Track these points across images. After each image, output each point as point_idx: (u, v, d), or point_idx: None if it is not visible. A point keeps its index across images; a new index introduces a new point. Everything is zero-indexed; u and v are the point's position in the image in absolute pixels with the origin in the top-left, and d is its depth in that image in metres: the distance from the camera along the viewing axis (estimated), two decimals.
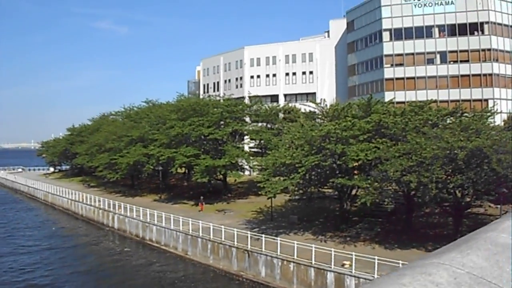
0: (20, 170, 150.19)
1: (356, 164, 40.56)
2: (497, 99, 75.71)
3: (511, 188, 39.31)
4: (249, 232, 43.09)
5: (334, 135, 40.68)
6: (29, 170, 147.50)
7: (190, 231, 48.86)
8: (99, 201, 70.46)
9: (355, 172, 43.90)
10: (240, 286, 40.82)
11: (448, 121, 44.58)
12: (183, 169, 79.10)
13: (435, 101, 48.96)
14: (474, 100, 74.24)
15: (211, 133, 64.44)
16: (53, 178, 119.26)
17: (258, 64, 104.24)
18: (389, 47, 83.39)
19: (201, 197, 60.09)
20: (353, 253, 34.45)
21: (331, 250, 35.27)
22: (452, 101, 72.38)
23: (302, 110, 51.68)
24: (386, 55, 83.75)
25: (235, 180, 70.37)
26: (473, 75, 78.87)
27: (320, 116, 47.27)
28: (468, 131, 38.41)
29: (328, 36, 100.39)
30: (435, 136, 38.01)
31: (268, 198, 46.84)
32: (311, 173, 42.13)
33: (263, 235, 41.58)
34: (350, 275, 33.51)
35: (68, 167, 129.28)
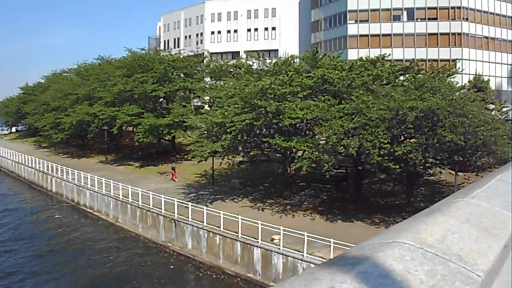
0: None
1: (292, 123, 35.59)
2: (466, 59, 71.66)
3: (468, 157, 35.14)
4: (175, 199, 38.40)
5: (271, 92, 35.97)
6: None
7: (121, 197, 44.44)
8: (39, 163, 65.55)
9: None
10: (166, 259, 36.49)
11: (402, 79, 39.97)
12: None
13: (388, 57, 43.39)
14: (442, 60, 69.77)
15: (155, 89, 59.57)
16: (8, 139, 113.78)
17: (219, 20, 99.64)
18: (354, 2, 78.90)
19: (173, 164, 54.35)
20: (281, 227, 29.97)
21: (257, 222, 30.81)
22: (418, 60, 67.90)
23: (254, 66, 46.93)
24: (350, 11, 79.21)
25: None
26: (442, 34, 74.67)
27: (259, 71, 42.37)
28: (422, 89, 33.91)
29: None
30: (385, 94, 33.26)
31: (198, 162, 42.32)
32: (244, 134, 37.38)
33: (190, 203, 37.09)
34: (278, 252, 29.21)
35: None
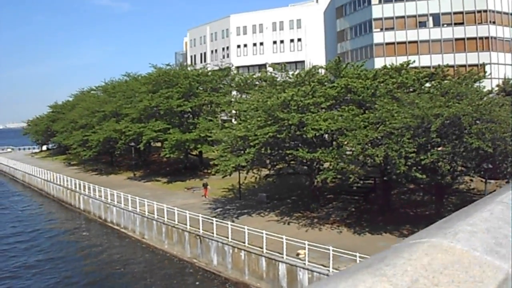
0: (9, 150, 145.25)
1: (316, 134, 34.76)
2: (494, 64, 70.23)
3: (498, 164, 33.93)
4: (200, 215, 37.90)
5: (294, 103, 35.31)
6: (19, 149, 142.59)
7: (146, 213, 44.13)
8: (67, 180, 65.72)
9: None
10: (191, 276, 36.02)
11: (428, 86, 38.92)
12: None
13: (413, 63, 42.35)
14: (470, 65, 68.38)
15: (180, 105, 59.38)
16: (39, 157, 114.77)
17: (245, 33, 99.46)
18: (378, 10, 77.83)
19: (205, 180, 52.65)
20: (306, 241, 29.22)
21: (282, 237, 30.11)
22: (445, 66, 66.67)
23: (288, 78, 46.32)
24: (375, 19, 78.26)
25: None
26: (468, 38, 73.23)
27: (282, 83, 41.70)
28: (448, 96, 32.93)
29: (317, 1, 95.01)
30: (410, 102, 32.36)
31: (223, 177, 41.81)
32: (268, 148, 36.70)
33: (215, 219, 36.53)
34: (303, 268, 28.47)
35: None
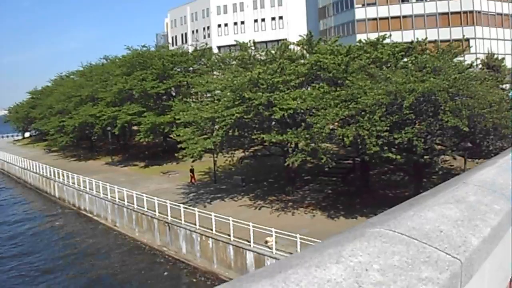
0: None
1: (284, 114, 32.83)
2: (479, 38, 68.47)
3: (479, 142, 32.30)
4: (168, 201, 36.17)
5: (263, 82, 33.49)
6: (2, 137, 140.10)
7: (117, 200, 42.45)
8: (43, 168, 63.83)
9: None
10: (160, 265, 34.37)
11: (405, 61, 36.99)
12: None
13: (389, 37, 40.42)
14: (455, 40, 66.46)
15: (154, 86, 57.43)
16: (20, 145, 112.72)
17: (225, 12, 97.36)
18: None
19: (191, 166, 47.31)
20: (273, 228, 27.52)
21: (249, 224, 28.45)
22: (429, 42, 64.85)
23: (258, 56, 44.29)
24: None
25: None
26: (453, 12, 71.37)
27: (253, 61, 39.73)
28: (425, 71, 31.10)
29: None
30: (384, 78, 30.55)
31: (193, 161, 40.08)
32: (236, 129, 34.92)
33: (182, 205, 34.82)
34: (271, 256, 26.83)
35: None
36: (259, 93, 32.44)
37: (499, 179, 3.51)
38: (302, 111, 33.16)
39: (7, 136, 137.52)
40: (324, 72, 34.64)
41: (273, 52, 39.77)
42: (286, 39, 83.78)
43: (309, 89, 35.24)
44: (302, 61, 36.82)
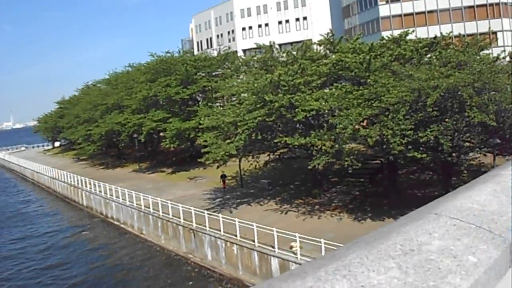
0: (23, 148, 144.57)
1: (307, 116, 32.09)
2: (507, 31, 66.91)
3: (508, 138, 31.17)
4: (192, 207, 35.67)
5: (284, 83, 32.85)
6: (32, 147, 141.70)
7: (143, 207, 42.19)
8: (71, 177, 64.01)
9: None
10: (186, 273, 33.92)
11: (429, 56, 35.94)
12: None
13: (412, 33, 39.38)
14: (481, 34, 65.04)
15: (178, 92, 57.21)
16: (50, 154, 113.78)
17: (249, 15, 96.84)
18: None
19: (223, 172, 46.12)
20: (297, 234, 26.80)
21: (273, 230, 27.80)
22: (456, 37, 63.50)
23: (280, 58, 43.75)
24: None
25: None
26: (478, 5, 69.89)
27: (274, 63, 39.13)
28: (449, 66, 30.13)
29: None
30: (407, 75, 29.66)
31: (218, 167, 39.71)
32: (259, 133, 34.26)
33: (206, 212, 34.30)
34: (295, 262, 26.14)
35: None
36: (280, 95, 31.80)
37: None
38: (325, 112, 32.41)
39: (38, 146, 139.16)
40: (346, 71, 33.85)
41: (294, 53, 39.13)
42: (311, 40, 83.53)
43: (330, 89, 34.38)
44: (324, 61, 35.97)
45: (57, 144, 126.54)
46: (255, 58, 48.63)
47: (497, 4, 69.44)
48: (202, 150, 38.85)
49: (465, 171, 37.85)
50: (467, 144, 31.99)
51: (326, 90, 33.94)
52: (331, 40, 38.38)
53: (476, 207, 2.50)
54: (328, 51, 39.16)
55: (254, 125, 32.77)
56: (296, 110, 31.81)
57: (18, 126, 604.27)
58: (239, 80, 39.13)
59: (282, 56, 40.72)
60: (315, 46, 40.82)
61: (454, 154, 29.93)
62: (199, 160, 40.37)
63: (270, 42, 43.25)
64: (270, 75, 33.29)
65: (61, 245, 44.50)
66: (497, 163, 32.72)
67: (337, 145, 29.81)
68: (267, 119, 32.76)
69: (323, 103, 31.07)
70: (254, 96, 34.08)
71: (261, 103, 33.20)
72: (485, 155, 36.98)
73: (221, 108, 42.56)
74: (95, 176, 60.86)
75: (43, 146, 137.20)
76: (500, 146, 32.74)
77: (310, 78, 33.30)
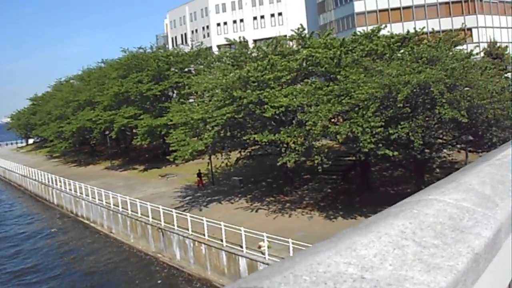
0: None
1: (276, 112, 31.46)
2: (482, 27, 66.87)
3: (481, 135, 30.81)
4: (160, 206, 34.84)
5: (254, 79, 32.17)
6: (6, 145, 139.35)
7: (112, 206, 41.30)
8: (41, 175, 62.82)
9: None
10: (155, 273, 33.14)
11: (402, 52, 35.42)
12: None
13: (384, 28, 38.87)
14: (456, 30, 64.89)
15: (149, 88, 56.31)
16: (23, 152, 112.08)
17: (224, 10, 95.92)
18: None
19: (199, 170, 46.06)
20: (264, 233, 26.17)
21: (241, 229, 27.15)
22: (430, 32, 63.22)
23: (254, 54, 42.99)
24: None
25: None
26: (453, 2, 69.77)
27: (244, 59, 38.39)
28: (421, 61, 29.62)
29: None
30: (378, 70, 29.11)
31: (184, 163, 39.08)
32: (228, 130, 33.55)
33: (174, 210, 33.55)
34: (263, 262, 25.52)
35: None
36: (249, 91, 31.14)
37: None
38: (294, 108, 31.70)
39: (11, 144, 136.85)
40: (317, 67, 33.27)
41: (264, 48, 38.47)
42: (286, 36, 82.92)
43: (300, 85, 33.75)
44: (296, 56, 35.30)
45: (30, 141, 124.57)
46: (227, 54, 47.90)
47: (472, 0, 69.29)
48: (170, 148, 38.04)
49: (438, 168, 37.57)
50: (439, 141, 31.55)
51: (296, 86, 33.29)
52: (302, 35, 37.76)
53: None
54: (300, 47, 38.55)
55: (223, 121, 32.06)
56: (265, 106, 31.15)
57: None
58: (209, 76, 38.17)
59: (253, 52, 39.97)
60: (288, 42, 40.13)
61: (426, 151, 29.44)
62: (167, 157, 39.66)
63: (239, 37, 42.34)
64: (239, 71, 32.59)
65: (31, 248, 43.23)
66: (470, 160, 32.39)
67: (306, 142, 29.20)
68: (236, 116, 32.07)
69: (292, 99, 30.40)
70: (223, 93, 33.37)
71: (230, 100, 32.51)
72: (459, 151, 36.77)
73: (188, 104, 41.55)
74: (66, 174, 59.89)
75: (16, 143, 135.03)
76: (473, 143, 32.36)
77: (280, 74, 32.61)
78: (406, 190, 35.77)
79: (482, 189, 2.48)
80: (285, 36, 75.81)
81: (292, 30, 39.74)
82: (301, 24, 40.23)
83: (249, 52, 40.17)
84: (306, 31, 39.08)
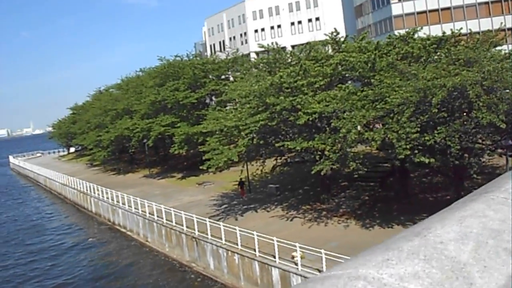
0: (39, 154, 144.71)
1: (310, 119, 30.74)
2: None
3: None
4: (194, 215, 34.51)
5: (287, 85, 31.61)
6: (48, 153, 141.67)
7: (147, 215, 41.18)
8: (80, 183, 63.25)
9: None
10: (189, 281, 32.82)
11: (438, 54, 34.34)
12: None
13: (420, 30, 37.95)
14: (496, 31, 63.13)
15: (186, 96, 56.31)
16: (64, 160, 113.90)
17: (261, 17, 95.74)
18: None
19: (241, 178, 43.72)
20: (297, 243, 25.49)
21: (273, 239, 26.54)
22: (469, 34, 61.65)
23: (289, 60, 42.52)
24: None
25: None
26: (493, 1, 68.59)
27: (279, 65, 37.82)
28: (456, 63, 28.65)
29: None
30: (413, 74, 28.22)
31: (220, 171, 38.69)
32: (261, 138, 33.04)
33: (207, 219, 33.15)
34: (296, 273, 24.90)
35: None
36: (282, 98, 30.57)
37: None
38: (328, 114, 30.97)
39: (53, 152, 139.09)
40: (351, 72, 32.54)
41: (298, 54, 37.89)
42: (322, 41, 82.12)
43: (334, 91, 33.02)
44: (330, 61, 34.57)
45: (72, 149, 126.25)
46: (264, 60, 47.42)
47: None
48: (203, 157, 37.70)
49: (480, 174, 36.35)
50: (478, 146, 30.44)
51: (329, 92, 32.58)
52: (336, 39, 37.07)
53: None
54: (334, 51, 37.86)
55: (257, 129, 31.57)
56: (299, 113, 30.54)
57: (37, 132, 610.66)
58: (243, 83, 37.75)
59: (287, 58, 39.41)
60: (324, 47, 39.45)
61: (465, 156, 28.40)
62: (200, 167, 39.34)
63: (273, 43, 41.76)
64: (271, 77, 32.06)
65: (68, 256, 43.43)
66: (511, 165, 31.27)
67: (341, 150, 28.48)
68: (269, 123, 31.53)
69: (326, 105, 29.69)
70: (256, 100, 32.88)
71: (263, 106, 32.03)
72: (501, 156, 35.52)
73: (222, 112, 41.16)
74: (105, 182, 60.37)
75: (58, 151, 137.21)
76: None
77: (313, 79, 31.93)
78: (445, 197, 34.75)
79: None
80: (322, 41, 75.23)
81: (325, 34, 38.96)
82: (335, 28, 39.35)
83: (283, 58, 39.54)
84: (341, 35, 38.17)
